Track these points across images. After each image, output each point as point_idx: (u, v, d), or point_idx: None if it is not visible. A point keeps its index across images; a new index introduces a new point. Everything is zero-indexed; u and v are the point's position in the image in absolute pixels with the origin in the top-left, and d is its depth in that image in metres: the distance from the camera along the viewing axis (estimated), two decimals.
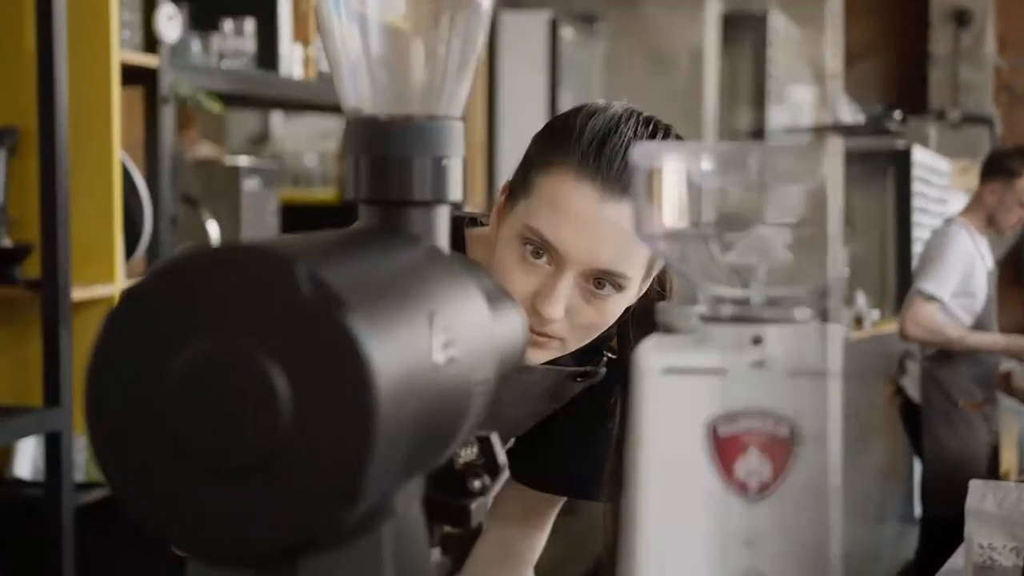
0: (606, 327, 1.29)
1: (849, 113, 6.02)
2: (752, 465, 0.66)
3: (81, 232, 2.39)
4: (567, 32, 4.96)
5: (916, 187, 6.83)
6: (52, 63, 2.29)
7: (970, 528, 1.91)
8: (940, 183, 7.29)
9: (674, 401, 0.67)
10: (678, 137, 1.29)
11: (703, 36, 5.51)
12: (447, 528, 0.84)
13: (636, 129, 1.25)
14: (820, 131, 5.62)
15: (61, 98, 2.30)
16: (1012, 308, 5.21)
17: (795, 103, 5.68)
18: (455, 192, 0.78)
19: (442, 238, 0.78)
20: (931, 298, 4.17)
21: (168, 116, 2.64)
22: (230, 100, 3.24)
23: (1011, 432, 5.91)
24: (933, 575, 2.12)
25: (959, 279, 4.22)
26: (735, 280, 0.70)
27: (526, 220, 1.24)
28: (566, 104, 5.66)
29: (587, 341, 1.29)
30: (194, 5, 2.89)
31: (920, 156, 6.88)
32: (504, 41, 4.68)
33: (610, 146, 1.22)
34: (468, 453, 0.84)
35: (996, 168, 4.36)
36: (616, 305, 1.26)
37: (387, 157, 0.76)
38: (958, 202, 8.14)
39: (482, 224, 1.41)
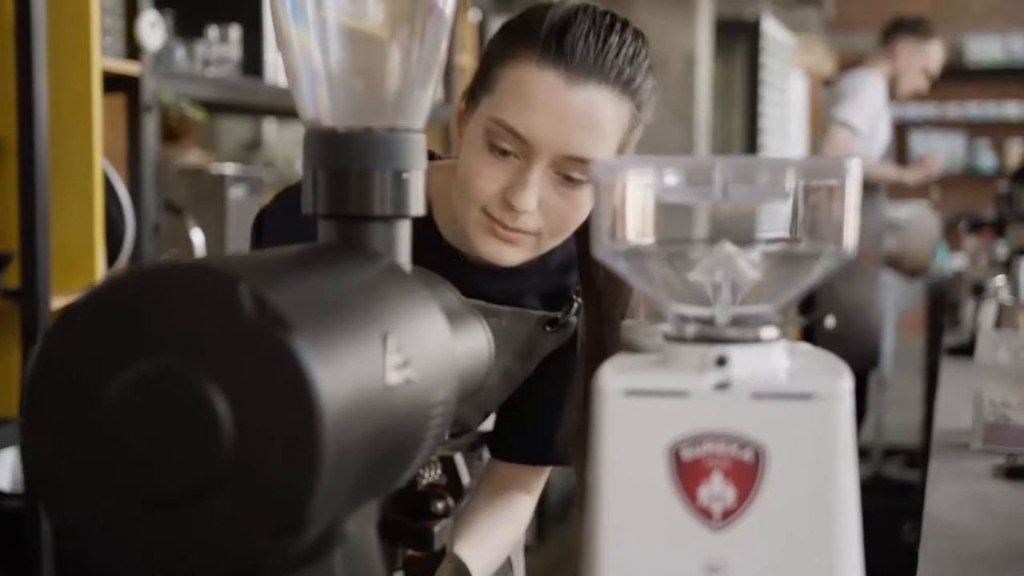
0: (579, 221, 1.27)
1: None
2: (716, 490, 0.64)
3: (62, 241, 2.36)
4: None
5: (763, 59, 6.86)
6: (32, 70, 2.27)
7: (980, 383, 1.80)
8: (784, 58, 7.33)
9: (636, 424, 0.64)
10: (637, 32, 1.28)
11: (695, 42, 5.49)
12: (410, 551, 0.82)
13: (595, 18, 1.25)
14: None
15: (41, 105, 2.27)
16: None
17: None
18: (416, 206, 0.76)
19: (403, 254, 0.76)
20: (845, 125, 4.21)
21: (151, 124, 2.61)
22: (215, 107, 3.21)
23: None
24: None
25: (870, 118, 4.27)
26: (702, 298, 0.68)
27: (490, 114, 1.24)
28: None
29: (561, 238, 1.28)
30: (179, 12, 2.87)
31: (770, 28, 6.88)
32: None
33: (571, 33, 1.23)
34: (431, 474, 0.82)
35: (910, 28, 4.43)
36: (588, 196, 1.25)
37: (346, 170, 0.73)
38: (797, 78, 8.18)
39: (437, 158, 1.42)
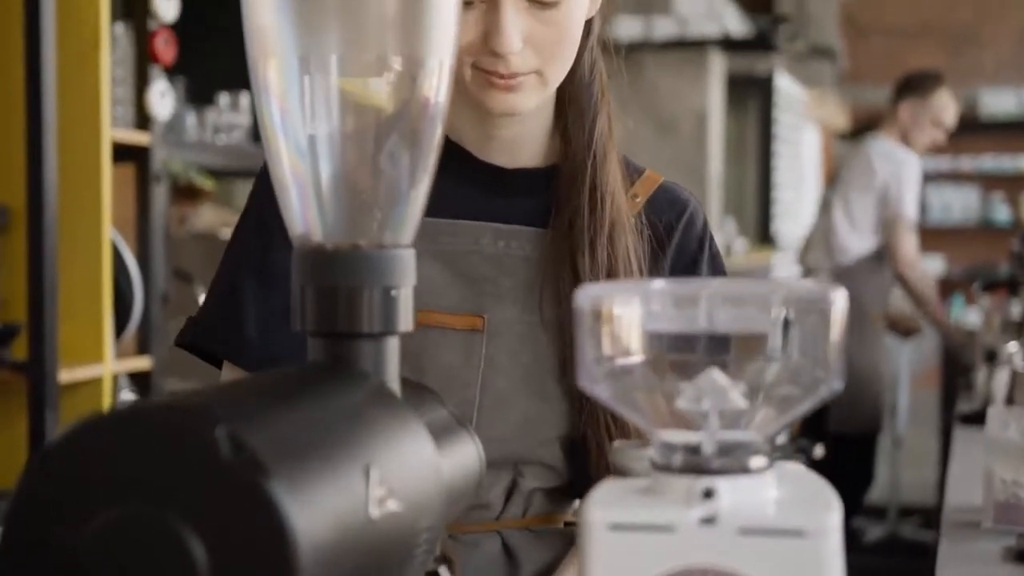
0: (574, 40, 1.20)
1: (736, 24, 5.83)
2: None
3: (70, 312, 2.36)
4: None
5: (776, 114, 6.88)
6: (41, 140, 2.28)
7: (990, 461, 1.77)
8: (797, 111, 7.36)
9: (621, 558, 0.63)
10: None
11: (707, 99, 5.50)
12: None
13: None
14: (706, 44, 5.55)
15: (51, 177, 2.28)
16: None
17: (680, 13, 5.55)
18: (405, 322, 0.75)
19: (391, 371, 0.75)
20: (912, 222, 4.22)
21: (160, 194, 2.62)
22: (226, 174, 3.23)
23: None
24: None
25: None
26: (689, 422, 0.67)
27: None
28: None
29: (564, 65, 1.20)
30: (190, 80, 2.88)
31: (782, 83, 6.89)
32: None
33: None
34: None
35: (911, 86, 4.44)
36: (573, 12, 1.18)
37: (334, 288, 0.73)
38: (811, 132, 8.24)
39: None
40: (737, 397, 0.66)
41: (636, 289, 0.66)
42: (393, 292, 0.74)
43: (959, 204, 9.65)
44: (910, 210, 4.26)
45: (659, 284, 0.68)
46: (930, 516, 5.32)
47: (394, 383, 0.75)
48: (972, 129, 9.44)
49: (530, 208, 1.27)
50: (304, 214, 0.75)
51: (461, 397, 1.19)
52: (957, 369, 4.31)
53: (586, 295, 0.66)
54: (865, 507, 5.38)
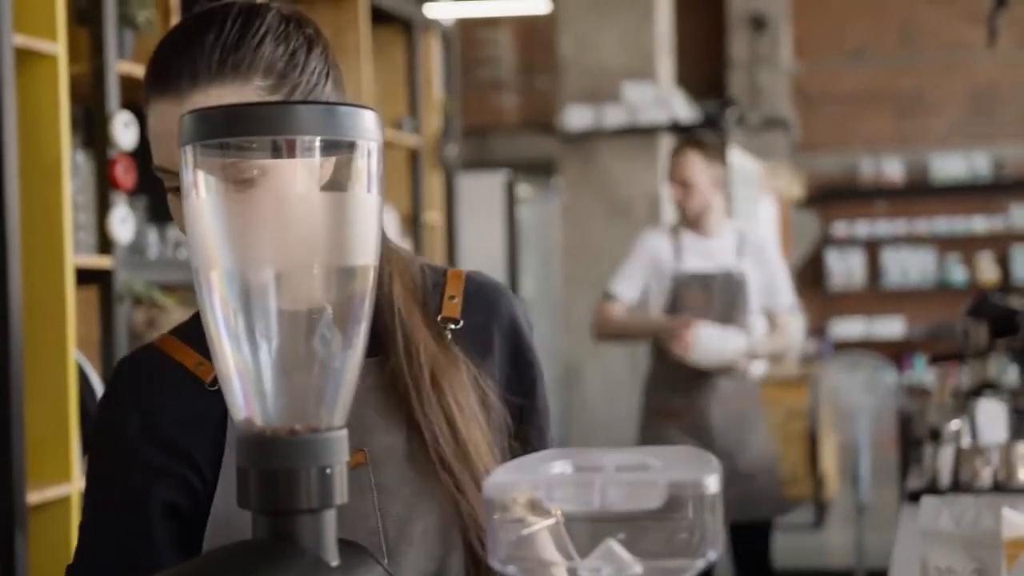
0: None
1: (684, 110, 5.98)
2: None
3: (36, 435, 2.43)
4: (524, 189, 5.07)
5: (731, 189, 6.99)
6: (6, 268, 2.35)
7: (924, 550, 1.83)
8: (752, 183, 7.48)
9: None
10: (254, 9, 1.23)
11: (660, 181, 5.63)
12: None
13: (193, 26, 1.21)
14: (655, 130, 5.71)
15: (15, 303, 2.35)
16: (811, 311, 4.88)
17: (630, 101, 5.70)
18: (341, 496, 0.84)
19: (329, 541, 0.83)
20: (611, 297, 4.21)
21: (123, 314, 2.70)
22: (189, 286, 3.30)
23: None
24: None
25: (644, 280, 4.23)
26: None
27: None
28: (525, 260, 5.77)
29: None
30: (151, 198, 2.97)
31: (735, 158, 7.02)
32: (464, 202, 4.79)
33: (167, 56, 1.20)
34: None
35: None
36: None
37: (274, 471, 0.82)
38: (767, 203, 8.35)
39: None
40: (633, 565, 0.75)
41: (539, 478, 0.75)
42: (328, 470, 0.83)
43: (916, 267, 9.82)
44: (611, 283, 4.25)
45: (558, 468, 0.77)
46: None
47: (331, 552, 0.83)
48: (924, 193, 9.66)
49: None
50: (245, 403, 0.83)
51: (366, 529, 1.25)
52: (910, 440, 4.39)
53: (493, 484, 0.75)
54: (833, 571, 5.43)
